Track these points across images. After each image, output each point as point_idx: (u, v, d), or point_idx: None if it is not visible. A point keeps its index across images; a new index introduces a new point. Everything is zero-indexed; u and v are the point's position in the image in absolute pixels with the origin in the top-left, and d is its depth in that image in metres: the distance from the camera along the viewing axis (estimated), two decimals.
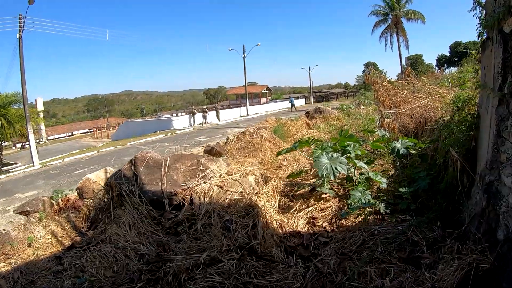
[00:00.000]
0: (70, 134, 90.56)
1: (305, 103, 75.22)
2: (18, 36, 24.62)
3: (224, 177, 7.36)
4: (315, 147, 7.16)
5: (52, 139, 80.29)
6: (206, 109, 37.80)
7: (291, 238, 5.68)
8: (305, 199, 6.96)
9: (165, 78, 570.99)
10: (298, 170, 8.76)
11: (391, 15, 58.41)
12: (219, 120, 38.55)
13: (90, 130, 74.72)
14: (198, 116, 37.17)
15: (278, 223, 6.07)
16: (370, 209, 5.79)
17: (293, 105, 50.76)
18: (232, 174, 7.60)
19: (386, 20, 58.67)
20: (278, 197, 7.15)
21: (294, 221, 6.18)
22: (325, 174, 6.00)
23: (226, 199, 6.46)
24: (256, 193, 6.74)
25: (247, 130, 14.37)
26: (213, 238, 5.43)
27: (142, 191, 6.89)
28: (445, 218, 5.08)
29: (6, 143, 39.03)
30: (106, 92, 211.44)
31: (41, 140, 71.13)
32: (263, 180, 7.48)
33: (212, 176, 7.28)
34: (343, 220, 5.91)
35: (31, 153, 24.82)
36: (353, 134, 7.25)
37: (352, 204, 5.93)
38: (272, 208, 6.50)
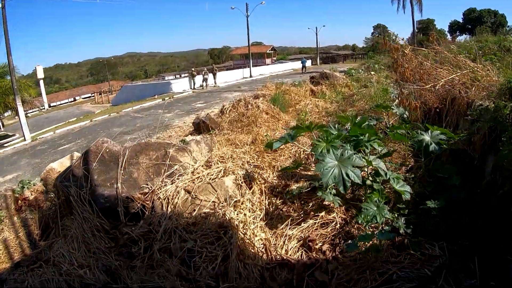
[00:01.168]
0: (72, 99, 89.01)
1: (311, 64, 72.54)
2: (1, 5, 22.61)
3: (198, 172, 5.73)
4: (318, 137, 5.39)
5: (54, 106, 79.24)
6: (206, 71, 35.58)
7: (277, 270, 4.20)
8: (302, 202, 5.33)
9: (169, 38, 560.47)
10: (296, 156, 7.12)
11: None
12: (215, 83, 36.38)
13: (93, 95, 72.86)
14: (198, 78, 35.22)
15: (262, 245, 4.56)
16: (388, 241, 4.18)
17: (304, 66, 49.09)
18: (210, 167, 5.98)
19: None
20: (267, 201, 5.50)
21: (284, 241, 4.62)
22: (332, 183, 4.34)
23: (194, 211, 4.90)
24: (236, 202, 5.10)
25: (243, 99, 12.65)
26: (168, 277, 3.88)
27: (93, 196, 5.30)
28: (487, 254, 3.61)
29: (7, 113, 37.32)
30: (110, 55, 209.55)
31: (43, 107, 70.44)
32: (247, 181, 5.77)
33: (182, 174, 5.64)
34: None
35: (21, 127, 23.48)
36: (370, 121, 5.26)
37: (364, 221, 4.29)
38: (256, 221, 4.93)
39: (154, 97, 32.00)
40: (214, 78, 36.20)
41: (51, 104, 79.40)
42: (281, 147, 7.68)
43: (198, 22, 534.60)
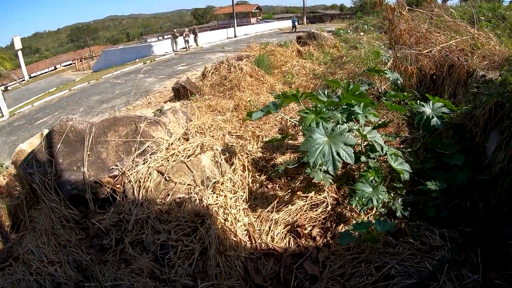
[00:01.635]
0: (53, 68, 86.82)
1: (298, 24, 70.75)
2: None
3: (174, 148, 5.15)
4: (306, 107, 4.75)
5: (34, 76, 77.35)
6: (188, 32, 34.23)
7: (262, 261, 3.77)
8: (289, 179, 4.82)
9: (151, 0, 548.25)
10: (283, 124, 6.59)
11: None
12: (197, 44, 35.06)
13: (73, 62, 70.74)
14: (181, 40, 33.99)
15: (245, 232, 4.09)
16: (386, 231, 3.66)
17: (294, 25, 47.93)
18: (188, 139, 5.43)
19: None
20: (251, 178, 4.95)
21: (269, 227, 4.14)
22: (321, 163, 3.81)
23: (168, 196, 4.35)
24: (214, 183, 4.52)
25: (226, 60, 11.93)
26: (141, 275, 3.39)
27: (59, 183, 4.74)
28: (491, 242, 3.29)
29: None
30: (90, 19, 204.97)
31: (22, 79, 68.79)
32: (227, 157, 5.15)
33: (155, 151, 5.04)
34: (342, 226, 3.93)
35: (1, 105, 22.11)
36: (364, 93, 4.57)
37: (359, 205, 3.84)
38: (239, 204, 4.41)
39: (135, 61, 30.94)
40: (196, 39, 34.83)
41: (32, 75, 77.29)
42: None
43: None
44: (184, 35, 33.23)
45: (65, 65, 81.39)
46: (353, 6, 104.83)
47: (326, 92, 5.24)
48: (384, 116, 6.40)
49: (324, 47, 16.10)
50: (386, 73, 7.64)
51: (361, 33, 23.45)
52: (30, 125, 15.19)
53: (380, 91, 7.99)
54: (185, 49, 32.75)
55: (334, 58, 13.53)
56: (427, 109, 4.68)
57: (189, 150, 5.01)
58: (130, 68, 26.41)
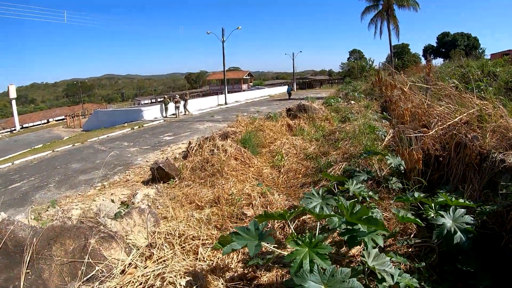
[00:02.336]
0: (46, 121, 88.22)
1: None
2: None
3: (131, 272, 4.17)
4: (295, 236, 3.66)
5: (26, 127, 78.57)
6: (178, 99, 33.89)
7: None
8: None
9: (147, 62, 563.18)
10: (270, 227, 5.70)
11: (382, 1, 54.57)
12: (185, 112, 34.57)
13: (65, 118, 70.42)
14: (171, 106, 33.59)
15: None
16: None
17: (289, 93, 47.91)
18: (151, 257, 4.49)
19: (377, 6, 54.84)
20: None
21: None
22: None
23: None
24: None
25: (211, 138, 11.24)
26: None
27: None
28: None
29: None
30: (87, 76, 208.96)
31: (14, 128, 68.79)
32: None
33: (105, 279, 4.05)
34: None
35: None
36: (375, 218, 3.60)
37: None
38: None
39: (124, 125, 30.40)
40: (185, 106, 34.52)
41: (24, 125, 79.28)
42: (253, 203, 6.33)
43: (176, 46, 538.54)
44: (175, 102, 32.97)
45: (58, 120, 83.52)
46: (341, 71, 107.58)
47: (321, 192, 4.48)
48: (388, 218, 5.54)
49: (315, 120, 15.58)
50: (387, 158, 6.92)
51: (352, 102, 23.18)
52: (4, 188, 14.10)
53: (379, 174, 7.20)
54: (175, 116, 32.34)
55: (326, 133, 12.95)
56: (447, 220, 3.86)
57: (148, 277, 4.03)
58: (118, 133, 25.70)
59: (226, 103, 42.26)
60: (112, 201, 8.43)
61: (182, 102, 34.07)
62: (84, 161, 16.49)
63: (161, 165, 9.43)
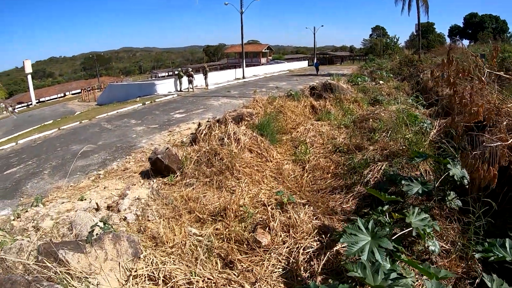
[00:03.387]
0: (62, 95, 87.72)
1: (308, 65, 69.13)
2: None
3: None
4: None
5: (42, 101, 78.88)
6: (192, 72, 31.78)
7: None
8: None
9: (165, 35, 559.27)
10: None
11: None
12: (206, 85, 32.61)
13: (86, 89, 69.59)
14: (185, 79, 31.76)
15: None
16: None
17: (317, 68, 45.51)
18: None
19: None
20: None
21: None
22: None
23: None
24: None
25: (223, 120, 9.57)
26: None
27: None
28: None
29: None
30: (105, 49, 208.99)
31: (31, 103, 69.01)
32: None
33: None
34: None
35: None
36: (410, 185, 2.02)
37: None
38: None
39: (136, 100, 29.12)
40: (206, 79, 32.72)
41: (41, 99, 79.55)
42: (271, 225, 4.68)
43: (194, 19, 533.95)
44: (188, 75, 31.07)
45: (74, 93, 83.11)
46: (363, 47, 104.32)
47: (370, 226, 2.97)
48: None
49: (343, 101, 13.75)
50: (448, 166, 5.15)
51: (380, 82, 21.20)
52: (0, 174, 12.80)
53: (434, 185, 5.40)
54: (189, 90, 30.60)
55: (356, 118, 11.20)
56: None
57: None
58: (127, 108, 24.25)
59: (244, 77, 40.25)
60: (96, 208, 6.86)
61: (201, 75, 31.98)
62: (86, 141, 15.07)
63: (159, 156, 7.79)
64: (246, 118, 10.29)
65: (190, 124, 15.04)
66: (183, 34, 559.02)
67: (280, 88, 25.35)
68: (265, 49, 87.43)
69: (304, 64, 68.45)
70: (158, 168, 8.03)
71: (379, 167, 6.92)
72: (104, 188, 8.68)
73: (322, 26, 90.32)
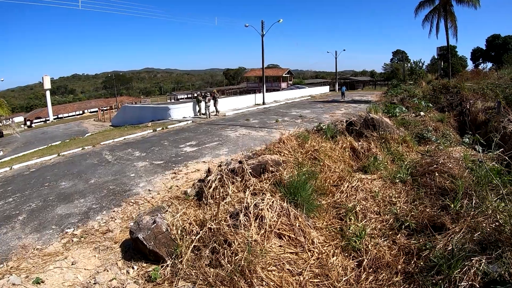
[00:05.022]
0: (81, 112, 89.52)
1: (329, 91, 66.48)
2: None
3: None
4: None
5: (60, 117, 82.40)
6: (209, 96, 29.31)
7: None
8: None
9: (186, 57, 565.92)
10: None
11: None
12: (216, 112, 29.76)
13: (102, 109, 68.81)
14: (204, 105, 28.86)
15: None
16: None
17: (343, 93, 43.50)
18: None
19: (433, 1, 48.35)
20: None
21: None
22: None
23: None
24: None
25: (238, 170, 6.98)
26: None
27: None
28: None
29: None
30: (128, 69, 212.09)
31: (48, 119, 69.74)
32: None
33: None
34: None
35: None
36: None
37: None
38: None
39: (147, 125, 27.09)
40: (215, 105, 29.92)
41: (59, 116, 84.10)
42: None
43: (215, 42, 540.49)
44: (206, 100, 28.52)
45: (92, 111, 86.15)
46: (384, 72, 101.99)
47: None
48: None
49: (389, 141, 11.08)
50: None
51: (421, 113, 18.39)
52: None
53: None
54: (205, 116, 28.07)
55: (413, 169, 8.61)
56: None
57: None
58: (136, 135, 22.01)
59: (264, 103, 37.66)
60: None
61: (212, 101, 29.38)
62: (78, 178, 12.78)
63: (142, 236, 5.29)
64: (270, 169, 7.69)
65: (200, 164, 12.52)
66: (203, 57, 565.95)
67: (304, 118, 22.78)
68: (285, 74, 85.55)
69: (325, 89, 65.57)
70: (140, 249, 5.53)
71: (475, 267, 4.33)
72: (72, 264, 6.37)
73: (344, 50, 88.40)
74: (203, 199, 7.47)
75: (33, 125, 73.33)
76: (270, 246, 4.96)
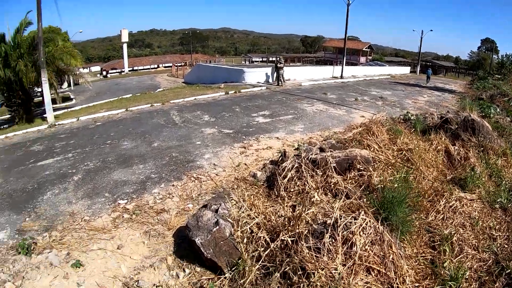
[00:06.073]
0: (156, 66, 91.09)
1: (409, 72, 62.29)
2: None
3: None
4: None
5: (135, 70, 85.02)
6: (283, 63, 27.26)
7: None
8: None
9: (264, 20, 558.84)
10: None
11: None
12: (279, 82, 26.70)
13: (176, 65, 69.35)
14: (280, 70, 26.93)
15: None
16: None
17: (428, 77, 39.99)
18: None
19: None
20: None
21: None
22: None
23: None
24: None
25: (321, 162, 5.93)
26: None
27: None
28: None
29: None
30: (205, 27, 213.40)
31: (123, 70, 79.91)
32: None
33: None
34: None
35: (46, 109, 18.88)
36: None
37: None
38: None
39: (220, 86, 26.23)
40: (279, 75, 27.12)
41: (134, 68, 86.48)
42: None
43: (295, 7, 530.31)
44: (278, 67, 26.70)
45: (166, 66, 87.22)
46: (469, 60, 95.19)
47: None
48: None
49: (487, 150, 9.51)
50: None
51: None
52: (32, 165, 10.41)
53: None
54: (277, 84, 26.62)
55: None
56: None
57: None
58: (207, 96, 21.42)
59: (342, 77, 35.58)
60: None
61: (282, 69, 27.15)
62: (141, 138, 12.35)
63: (200, 241, 4.43)
64: (357, 166, 6.55)
65: (272, 141, 11.52)
66: (282, 21, 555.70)
67: (385, 100, 21.05)
68: (365, 48, 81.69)
69: (405, 70, 61.40)
70: (195, 249, 4.69)
71: None
72: (117, 248, 5.75)
73: (431, 30, 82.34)
74: (275, 189, 6.53)
75: (108, 75, 76.37)
76: (356, 283, 3.92)
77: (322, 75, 35.32)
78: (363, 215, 4.48)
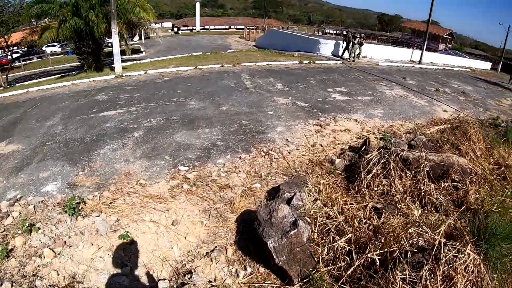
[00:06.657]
0: (227, 27, 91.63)
1: (490, 68, 57.55)
2: None
3: None
4: None
5: (206, 29, 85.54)
6: (360, 38, 25.73)
7: None
8: None
9: None
10: None
11: None
12: (352, 59, 25.18)
13: (248, 28, 68.64)
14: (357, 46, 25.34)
15: None
16: None
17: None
18: None
19: None
20: None
21: None
22: None
23: None
24: None
25: (413, 163, 5.07)
26: None
27: None
28: None
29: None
30: None
31: (194, 28, 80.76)
32: None
33: None
34: None
35: (114, 60, 18.79)
36: None
37: None
38: None
39: (294, 55, 25.03)
40: (353, 51, 25.62)
41: (205, 27, 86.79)
42: None
43: None
44: (354, 41, 25.16)
45: (238, 28, 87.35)
46: None
47: None
48: None
49: None
50: None
51: None
52: (93, 115, 10.22)
53: None
54: (352, 59, 25.14)
55: None
56: None
57: None
58: (280, 63, 20.58)
59: (420, 62, 33.62)
60: None
61: (357, 45, 25.55)
62: (209, 100, 11.78)
63: (272, 244, 3.73)
64: (453, 176, 5.55)
65: (351, 122, 10.52)
66: None
67: (467, 96, 19.23)
68: (446, 34, 76.76)
69: (486, 65, 56.61)
70: (261, 245, 3.96)
71: None
72: (172, 224, 5.21)
73: None
74: (355, 183, 5.67)
75: (179, 31, 76.88)
76: None
77: (400, 57, 33.39)
78: (469, 249, 3.46)
